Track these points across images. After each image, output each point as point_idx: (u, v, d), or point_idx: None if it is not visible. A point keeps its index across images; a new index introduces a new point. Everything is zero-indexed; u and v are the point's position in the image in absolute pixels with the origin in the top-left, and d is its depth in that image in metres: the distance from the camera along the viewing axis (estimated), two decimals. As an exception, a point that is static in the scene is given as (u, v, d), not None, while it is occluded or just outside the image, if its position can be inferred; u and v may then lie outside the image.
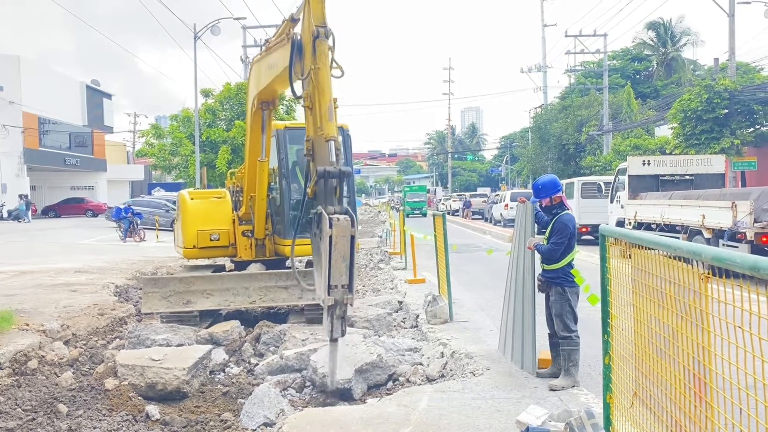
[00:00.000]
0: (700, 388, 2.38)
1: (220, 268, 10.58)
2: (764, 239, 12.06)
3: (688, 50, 46.74)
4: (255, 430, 5.80)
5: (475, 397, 5.80)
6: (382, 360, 7.14)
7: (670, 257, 2.69)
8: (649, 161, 18.94)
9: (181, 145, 30.73)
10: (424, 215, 47.29)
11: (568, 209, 6.35)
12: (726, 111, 26.15)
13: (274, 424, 5.77)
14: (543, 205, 6.43)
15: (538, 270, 6.47)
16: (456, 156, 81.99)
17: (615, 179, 20.18)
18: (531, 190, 7.77)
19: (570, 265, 6.15)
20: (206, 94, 31.25)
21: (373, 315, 9.66)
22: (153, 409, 6.27)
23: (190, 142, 30.41)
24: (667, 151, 31.62)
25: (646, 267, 2.95)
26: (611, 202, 20.46)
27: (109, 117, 54.88)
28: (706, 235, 13.59)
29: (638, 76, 47.97)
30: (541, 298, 6.50)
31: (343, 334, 5.87)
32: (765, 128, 26.82)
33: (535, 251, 6.37)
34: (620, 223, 18.45)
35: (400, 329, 9.74)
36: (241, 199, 10.17)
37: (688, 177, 18.22)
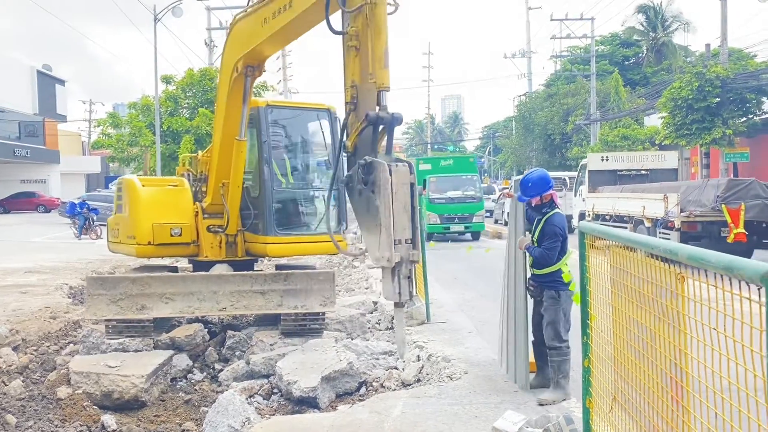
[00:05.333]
0: (677, 391, 2.44)
1: (173, 270, 9.88)
2: (688, 227, 14.25)
3: (680, 35, 47.28)
4: (220, 440, 5.80)
5: (452, 403, 5.85)
6: (353, 367, 7.14)
7: (650, 256, 2.75)
8: (607, 157, 22.29)
9: (140, 135, 30.42)
10: (475, 233, 24.20)
11: (558, 207, 6.15)
12: (718, 99, 26.52)
13: (239, 433, 5.78)
14: (533, 204, 6.13)
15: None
16: (436, 146, 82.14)
17: (578, 174, 23.12)
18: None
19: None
20: (167, 80, 30.97)
21: (346, 316, 9.65)
22: (109, 419, 6.25)
23: (150, 132, 30.12)
24: (657, 142, 32.05)
25: (625, 266, 3.02)
26: (575, 195, 23.93)
27: (63, 105, 54.03)
28: (647, 224, 15.73)
29: (627, 63, 48.44)
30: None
31: (410, 297, 5.51)
32: (758, 118, 27.22)
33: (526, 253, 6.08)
34: (582, 216, 21.11)
35: (375, 331, 9.78)
36: (204, 188, 9.57)
37: (643, 172, 21.01)
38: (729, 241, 13.53)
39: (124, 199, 9.54)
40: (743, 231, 13.30)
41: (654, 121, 35.05)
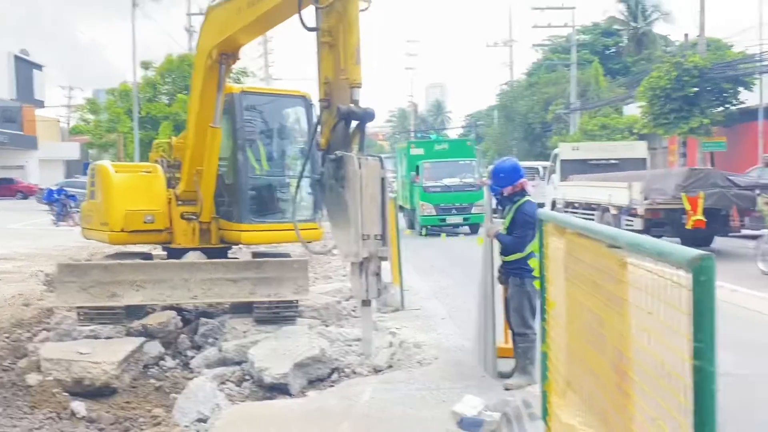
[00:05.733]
0: (620, 377, 2.49)
1: (147, 257, 9.81)
2: (651, 214, 15.01)
3: (660, 25, 47.59)
4: (188, 426, 5.82)
5: (420, 388, 5.92)
6: (325, 354, 7.16)
7: (600, 243, 2.80)
8: (578, 147, 23.99)
9: (119, 121, 30.22)
10: (474, 225, 20.97)
11: (528, 196, 6.22)
12: (695, 89, 26.73)
13: (208, 419, 5.80)
14: (504, 194, 6.16)
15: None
16: (419, 135, 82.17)
17: (551, 163, 23.68)
18: None
19: (531, 255, 5.80)
20: (146, 66, 30.73)
21: (321, 304, 9.68)
22: (79, 406, 6.24)
23: (128, 118, 29.90)
24: (635, 131, 32.30)
25: (577, 253, 3.07)
26: (547, 184, 24.34)
27: (40, 90, 53.49)
28: (613, 212, 16.51)
29: (608, 52, 48.68)
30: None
31: (379, 294, 5.53)
32: (735, 108, 27.50)
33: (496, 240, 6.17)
34: (553, 204, 21.79)
35: (350, 318, 9.81)
36: (177, 175, 9.45)
37: (613, 161, 21.99)
38: (688, 227, 14.12)
39: (96, 185, 9.46)
40: (702, 218, 13.83)
41: (633, 110, 35.31)
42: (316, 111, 10.17)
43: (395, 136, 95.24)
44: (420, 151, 23.60)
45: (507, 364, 6.24)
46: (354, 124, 5.62)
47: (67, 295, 7.80)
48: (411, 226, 23.09)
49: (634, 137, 33.12)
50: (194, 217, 9.20)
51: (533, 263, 5.87)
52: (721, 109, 27.46)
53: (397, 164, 27.48)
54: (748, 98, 27.24)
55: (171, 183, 9.51)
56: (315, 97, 9.84)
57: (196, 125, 8.90)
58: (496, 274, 6.34)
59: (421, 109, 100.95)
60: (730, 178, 14.99)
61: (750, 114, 27.16)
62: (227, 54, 8.36)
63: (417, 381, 6.16)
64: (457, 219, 21.21)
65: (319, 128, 6.02)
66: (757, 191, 14.39)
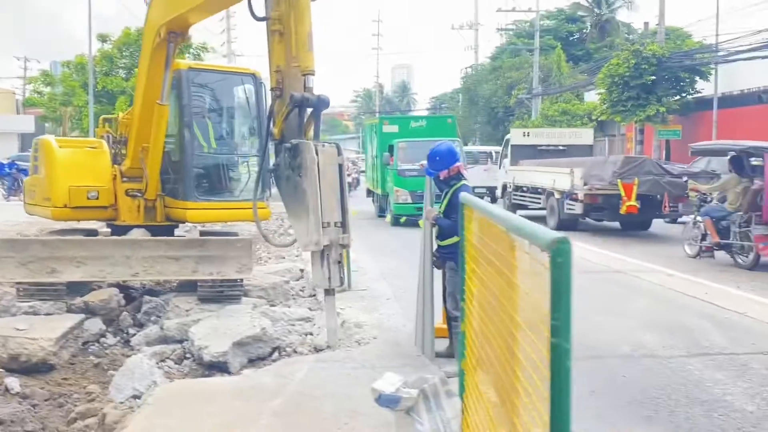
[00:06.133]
0: (511, 357, 2.61)
1: (92, 233, 9.68)
2: (590, 199, 15.82)
3: (623, 13, 48.10)
4: (122, 402, 5.85)
5: (355, 367, 6.02)
6: (266, 333, 7.22)
7: (499, 226, 2.90)
8: (528, 133, 24.22)
9: (74, 94, 29.59)
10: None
11: (465, 179, 6.26)
12: (653, 78, 27.18)
13: (143, 395, 5.84)
14: (440, 178, 6.25)
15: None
16: (384, 116, 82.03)
17: (503, 148, 23.86)
18: None
19: None
20: (103, 39, 30.07)
21: (269, 283, 9.74)
22: (13, 382, 6.22)
23: (84, 92, 29.32)
24: (594, 118, 32.72)
25: (485, 235, 3.18)
26: (500, 168, 24.37)
27: (-6, 60, 51.95)
28: (557, 196, 17.26)
29: (572, 38, 49.01)
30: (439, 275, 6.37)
31: (341, 283, 5.40)
32: (691, 97, 28.03)
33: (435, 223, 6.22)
34: (504, 187, 22.22)
35: (297, 298, 9.89)
36: (123, 151, 9.39)
37: (561, 147, 22.46)
38: (621, 212, 15.09)
39: (40, 160, 9.35)
40: (634, 204, 14.76)
41: (594, 97, 35.78)
42: (267, 89, 10.27)
43: (360, 117, 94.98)
44: (394, 129, 20.77)
45: (443, 344, 6.39)
46: (308, 111, 5.55)
47: (4, 270, 7.73)
48: (382, 213, 20.96)
49: (593, 124, 33.57)
50: (139, 194, 9.16)
51: None
52: (677, 98, 27.98)
53: (365, 143, 24.80)
54: (705, 88, 27.79)
55: (116, 159, 9.44)
56: (266, 77, 9.97)
57: (143, 102, 8.81)
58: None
59: (386, 90, 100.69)
60: (664, 166, 15.91)
61: (705, 103, 27.70)
62: (176, 33, 8.26)
63: (353, 360, 6.26)
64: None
65: (272, 119, 5.90)
66: (685, 178, 15.13)
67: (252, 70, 9.55)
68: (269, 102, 10.22)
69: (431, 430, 3.89)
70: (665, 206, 15.68)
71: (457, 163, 6.19)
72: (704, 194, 12.73)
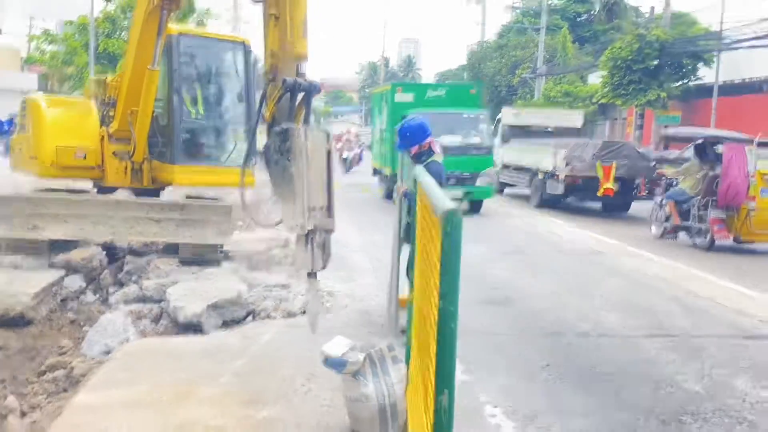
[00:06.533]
0: (428, 323, 2.75)
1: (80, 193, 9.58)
2: (571, 180, 16.46)
3: (632, -5, 47.61)
4: (93, 357, 6.03)
5: (321, 332, 6.14)
6: (241, 297, 7.38)
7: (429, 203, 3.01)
8: (519, 113, 24.25)
9: (75, 54, 29.52)
10: (477, 203, 16.71)
11: (435, 155, 6.32)
12: (656, 62, 27.11)
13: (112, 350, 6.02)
14: (412, 153, 6.30)
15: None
16: (397, 83, 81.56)
17: (495, 127, 23.95)
18: None
19: None
20: (107, -1, 29.95)
21: (252, 250, 9.88)
22: (-12, 333, 6.40)
23: (85, 52, 29.26)
24: (595, 101, 32.66)
25: (425, 212, 3.31)
26: None
27: (-2, 17, 51.75)
28: (540, 176, 17.83)
29: (579, 19, 48.64)
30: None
31: (324, 266, 5.41)
32: (693, 83, 27.96)
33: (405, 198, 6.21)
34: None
35: (279, 266, 10.06)
36: (111, 113, 9.43)
37: (550, 129, 22.81)
38: (598, 194, 15.79)
39: (27, 119, 9.42)
40: (611, 186, 15.48)
41: (597, 79, 35.68)
42: (256, 58, 10.32)
43: (365, 90, 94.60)
44: (408, 98, 17.90)
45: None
46: (300, 96, 5.55)
47: None
48: (390, 195, 17.44)
49: (594, 107, 33.52)
50: (127, 156, 9.22)
51: None
52: (679, 83, 27.92)
53: (373, 114, 21.99)
54: (706, 75, 27.71)
55: (104, 121, 9.50)
56: (254, 45, 9.97)
57: (134, 66, 8.85)
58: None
59: (392, 63, 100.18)
60: (641, 151, 16.56)
61: (706, 91, 27.66)
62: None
63: (320, 326, 6.41)
64: (455, 193, 14.92)
65: (264, 102, 5.96)
66: (653, 163, 15.79)
67: (242, 38, 9.62)
68: (257, 70, 10.34)
69: (375, 392, 4.06)
70: (642, 190, 16.30)
71: (429, 139, 6.26)
72: (669, 178, 13.50)
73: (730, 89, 27.20)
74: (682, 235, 12.60)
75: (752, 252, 11.99)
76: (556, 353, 6.02)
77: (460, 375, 5.40)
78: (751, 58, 25.09)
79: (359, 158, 29.86)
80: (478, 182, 16.04)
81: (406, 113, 15.01)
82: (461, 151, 15.61)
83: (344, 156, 28.44)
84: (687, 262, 10.52)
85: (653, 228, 13.24)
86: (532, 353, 6.00)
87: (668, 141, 18.73)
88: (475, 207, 16.18)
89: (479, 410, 4.70)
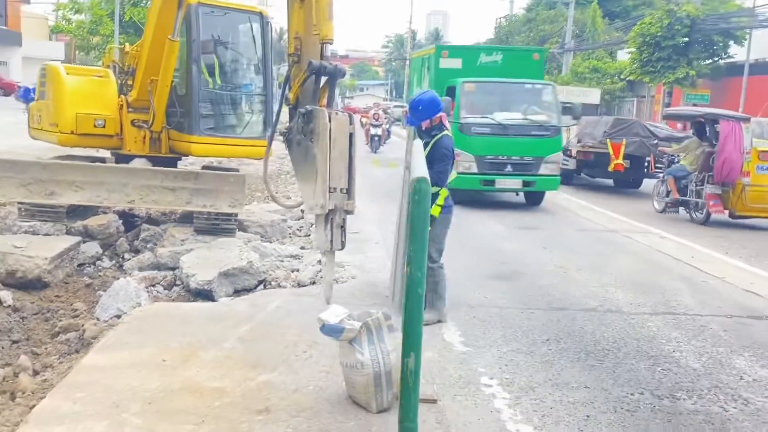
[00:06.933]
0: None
1: (100, 162, 9.86)
2: (583, 156, 16.78)
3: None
4: (106, 321, 6.22)
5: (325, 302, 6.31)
6: (252, 266, 7.51)
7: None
8: None
9: (101, 23, 29.79)
10: (538, 195, 13.88)
11: (446, 129, 6.32)
12: (686, 39, 26.68)
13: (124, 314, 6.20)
14: (423, 128, 6.32)
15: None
16: (443, 45, 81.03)
17: None
18: None
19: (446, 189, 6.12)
20: (134, -33, 30.11)
21: (267, 221, 10.05)
22: (6, 295, 6.59)
23: (111, 21, 29.51)
24: (623, 77, 32.27)
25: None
26: None
27: (28, -15, 52.19)
28: None
29: (610, -7, 47.85)
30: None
31: (343, 246, 5.46)
32: (723, 61, 27.50)
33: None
34: None
35: (294, 237, 10.21)
36: (130, 82, 9.62)
37: (567, 105, 23.22)
38: (609, 170, 16.03)
39: (47, 86, 9.61)
40: (621, 162, 15.79)
41: (626, 56, 35.17)
42: (272, 29, 10.38)
43: (391, 63, 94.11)
44: (456, 64, 14.99)
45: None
46: (324, 80, 5.60)
47: (5, 190, 8.10)
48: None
49: (622, 83, 33.10)
50: (145, 125, 9.39)
51: (441, 200, 6.04)
52: (708, 61, 27.48)
53: (411, 83, 19.34)
54: (738, 53, 27.24)
55: (122, 89, 9.66)
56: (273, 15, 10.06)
57: (154, 36, 8.98)
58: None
59: (420, 36, 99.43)
60: (651, 129, 16.49)
61: (737, 69, 27.21)
62: None
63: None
64: (513, 182, 13.14)
65: (288, 84, 5.98)
66: (655, 141, 15.88)
67: (259, 8, 9.69)
68: (274, 41, 10.39)
69: (370, 360, 4.16)
70: (651, 167, 16.62)
71: (440, 113, 6.27)
72: (672, 155, 14.26)
73: (761, 68, 26.70)
74: (682, 210, 13.11)
75: (751, 228, 12.33)
76: (558, 328, 6.09)
77: (459, 347, 5.52)
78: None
79: (388, 134, 28.00)
80: (542, 170, 13.03)
81: (453, 82, 13.52)
82: (522, 132, 12.99)
83: (372, 133, 25.68)
84: (719, 247, 10.40)
85: (655, 203, 13.72)
86: (535, 327, 6.08)
87: (669, 119, 19.05)
88: (534, 199, 13.88)
89: (475, 381, 4.79)
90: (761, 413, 4.50)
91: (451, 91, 13.31)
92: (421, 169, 2.35)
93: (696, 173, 12.55)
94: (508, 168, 12.90)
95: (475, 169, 12.78)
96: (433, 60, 15.39)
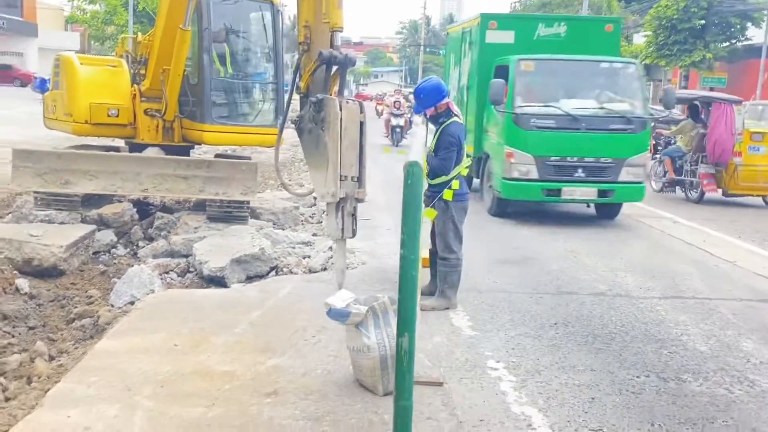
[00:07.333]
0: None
1: (114, 151, 9.96)
2: None
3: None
4: (120, 307, 6.34)
5: (335, 288, 6.38)
6: (264, 253, 7.60)
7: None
8: None
9: (115, 13, 29.97)
10: (613, 208, 10.96)
11: (455, 116, 6.21)
12: (703, 22, 26.39)
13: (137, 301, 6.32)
14: (428, 116, 6.29)
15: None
16: (428, 50, 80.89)
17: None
18: None
19: (458, 178, 6.12)
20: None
21: (279, 208, 10.14)
22: (23, 283, 6.74)
23: (125, 11, 29.67)
24: (639, 61, 31.98)
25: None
26: None
27: (43, -25, 52.54)
28: None
29: (626, -25, 47.35)
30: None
31: (354, 234, 5.47)
32: (740, 44, 27.20)
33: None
34: None
35: (306, 224, 10.30)
36: (143, 71, 9.73)
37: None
38: None
39: (61, 76, 9.74)
40: None
41: (642, 39, 34.83)
42: (283, 17, 10.41)
43: (405, 49, 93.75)
44: (506, 38, 11.79)
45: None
46: (334, 68, 5.60)
47: (21, 179, 8.28)
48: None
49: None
50: (158, 114, 9.50)
51: (456, 185, 6.03)
52: (725, 44, 27.19)
53: (446, 63, 15.59)
54: (755, 35, 26.93)
55: (135, 79, 9.77)
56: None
57: (165, 25, 9.04)
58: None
59: (434, 22, 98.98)
60: (651, 112, 16.52)
61: (754, 51, 26.91)
62: None
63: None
64: (586, 191, 10.29)
65: (298, 73, 5.99)
66: (652, 123, 15.47)
67: (271, -3, 9.72)
68: (287, 29, 10.41)
69: (376, 343, 4.23)
70: (651, 149, 16.69)
71: (445, 100, 6.19)
72: (669, 137, 14.89)
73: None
74: (678, 189, 13.69)
75: (744, 206, 13.02)
76: (567, 312, 6.13)
77: (467, 331, 5.58)
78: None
79: (410, 124, 24.81)
80: (623, 175, 10.14)
81: (504, 61, 10.83)
82: (598, 125, 10.16)
83: (393, 124, 22.83)
84: (733, 231, 10.39)
85: (653, 183, 14.06)
86: (543, 311, 6.12)
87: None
88: (609, 211, 10.99)
89: (481, 364, 4.85)
90: (767, 395, 4.52)
91: (501, 73, 10.72)
92: (415, 153, 2.39)
93: (690, 154, 13.11)
94: (580, 173, 10.07)
95: (534, 174, 10.02)
96: (478, 33, 12.02)
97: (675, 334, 5.66)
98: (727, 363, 5.06)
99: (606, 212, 11.05)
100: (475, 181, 11.96)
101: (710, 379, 4.76)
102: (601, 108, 10.38)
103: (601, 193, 10.21)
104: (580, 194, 10.30)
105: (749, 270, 7.87)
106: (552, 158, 10.05)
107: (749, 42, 27.08)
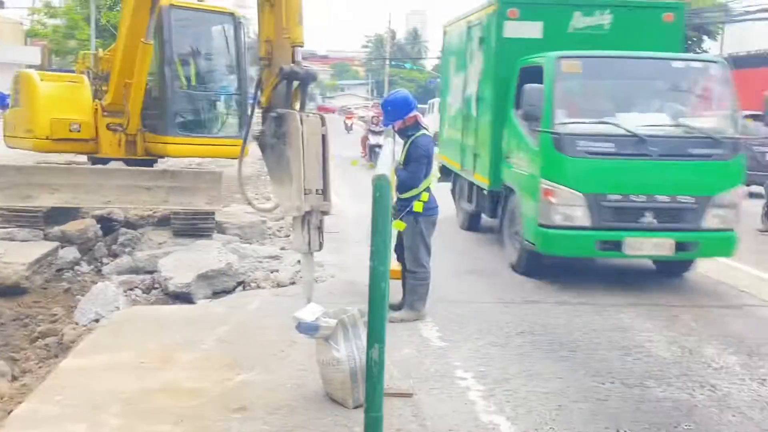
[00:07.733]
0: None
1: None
2: None
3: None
4: (85, 325, 6.25)
5: (306, 301, 6.37)
6: (231, 268, 7.58)
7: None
8: None
9: (77, 28, 29.56)
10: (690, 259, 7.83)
11: (424, 129, 6.19)
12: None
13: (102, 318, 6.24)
14: (396, 128, 6.26)
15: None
16: (394, 63, 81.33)
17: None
18: None
19: (427, 190, 6.13)
20: (110, -30, 29.86)
21: (246, 222, 10.10)
22: (-17, 302, 6.62)
23: (87, 26, 29.29)
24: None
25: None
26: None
27: (1, -10, 51.63)
28: None
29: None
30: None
31: (320, 247, 5.43)
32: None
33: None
34: None
35: (273, 238, 10.26)
36: (104, 87, 9.69)
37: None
38: None
39: (21, 93, 9.68)
40: None
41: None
42: (245, 29, 10.45)
43: (370, 63, 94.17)
44: (532, 30, 8.71)
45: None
46: (295, 83, 5.58)
47: None
48: (476, 224, 10.77)
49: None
50: (120, 128, 9.46)
51: (425, 197, 6.05)
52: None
53: (445, 66, 12.82)
54: (711, 48, 27.61)
55: (96, 94, 9.75)
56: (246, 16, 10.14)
57: (127, 39, 9.04)
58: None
59: (399, 36, 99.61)
60: (747, 129, 16.70)
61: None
62: None
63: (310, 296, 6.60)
64: (658, 243, 7.27)
65: (259, 88, 6.00)
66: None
67: (231, 9, 9.81)
68: (246, 41, 10.47)
69: (347, 356, 4.24)
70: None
71: (413, 113, 6.19)
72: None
73: (736, 62, 27.06)
74: None
75: None
76: (531, 320, 6.20)
77: (436, 342, 5.61)
78: (757, 30, 25.00)
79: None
80: (707, 220, 7.27)
81: (532, 62, 7.98)
82: (672, 150, 7.33)
83: (372, 142, 20.28)
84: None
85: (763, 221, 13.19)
86: (510, 320, 6.19)
87: None
88: (677, 266, 8.17)
89: (450, 374, 4.89)
90: (727, 399, 4.63)
91: (528, 77, 7.83)
92: (383, 167, 2.43)
93: None
94: (647, 217, 7.20)
95: (585, 220, 7.18)
96: (493, 26, 8.99)
97: (639, 340, 5.75)
98: (689, 368, 5.16)
99: (673, 266, 8.17)
100: (490, 220, 10.00)
101: (673, 384, 4.85)
102: (677, 126, 7.57)
103: (680, 247, 7.24)
104: (650, 248, 7.30)
105: (717, 279, 7.99)
106: (610, 197, 7.16)
107: (706, 55, 27.75)
